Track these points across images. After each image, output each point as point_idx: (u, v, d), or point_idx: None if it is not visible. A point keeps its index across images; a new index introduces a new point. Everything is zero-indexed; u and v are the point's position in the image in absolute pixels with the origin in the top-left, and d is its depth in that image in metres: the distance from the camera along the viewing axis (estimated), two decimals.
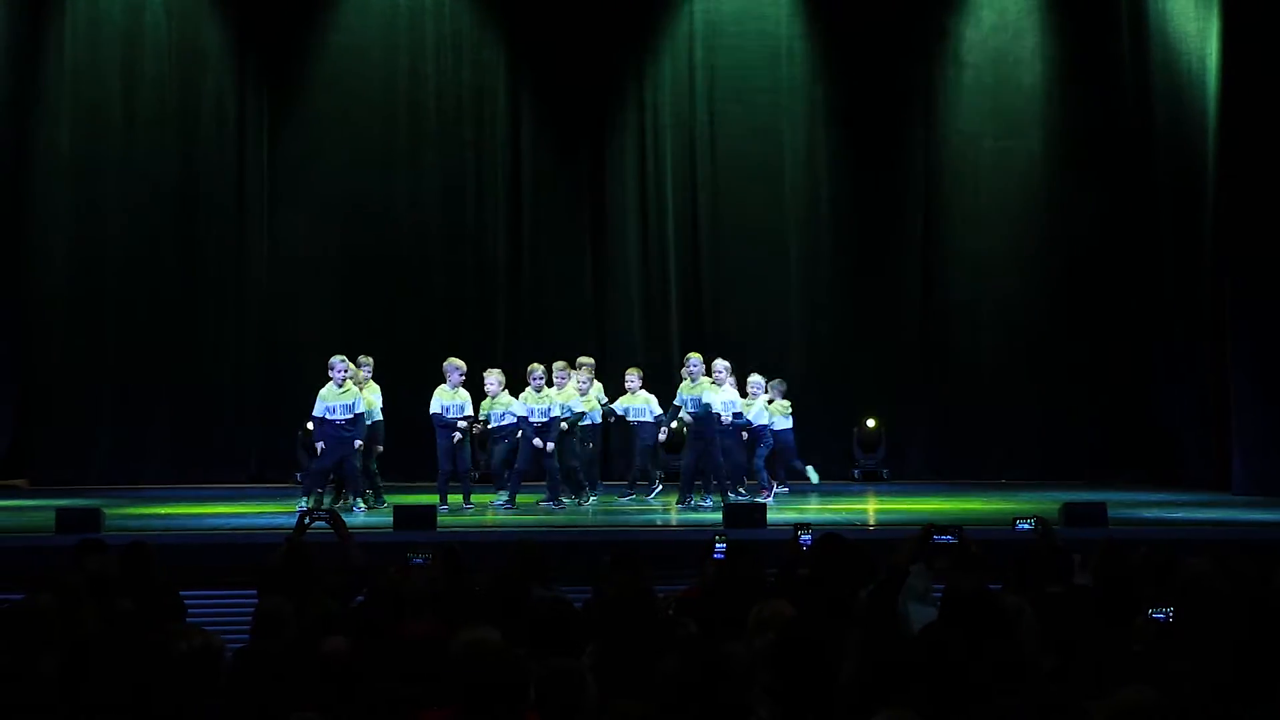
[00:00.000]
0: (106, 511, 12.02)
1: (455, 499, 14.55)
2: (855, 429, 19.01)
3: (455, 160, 19.22)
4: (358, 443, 14.09)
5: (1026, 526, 7.97)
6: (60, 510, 11.85)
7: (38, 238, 18.28)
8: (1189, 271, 17.16)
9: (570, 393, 15.12)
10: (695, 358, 15.02)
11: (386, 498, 14.78)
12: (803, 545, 7.92)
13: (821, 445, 18.89)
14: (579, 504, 14.99)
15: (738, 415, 15.08)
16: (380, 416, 14.99)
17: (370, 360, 15.23)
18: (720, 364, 15.05)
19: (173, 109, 18.78)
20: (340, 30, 19.07)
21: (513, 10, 19.18)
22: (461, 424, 14.59)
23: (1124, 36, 17.99)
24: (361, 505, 14.32)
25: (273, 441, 18.38)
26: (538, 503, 14.94)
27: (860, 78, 19.19)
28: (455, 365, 14.83)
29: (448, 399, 14.70)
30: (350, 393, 14.11)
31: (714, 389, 14.77)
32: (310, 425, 14.54)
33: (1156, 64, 17.45)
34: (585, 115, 19.15)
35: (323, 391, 14.16)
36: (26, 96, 18.11)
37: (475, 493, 14.93)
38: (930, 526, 6.96)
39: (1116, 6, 18.19)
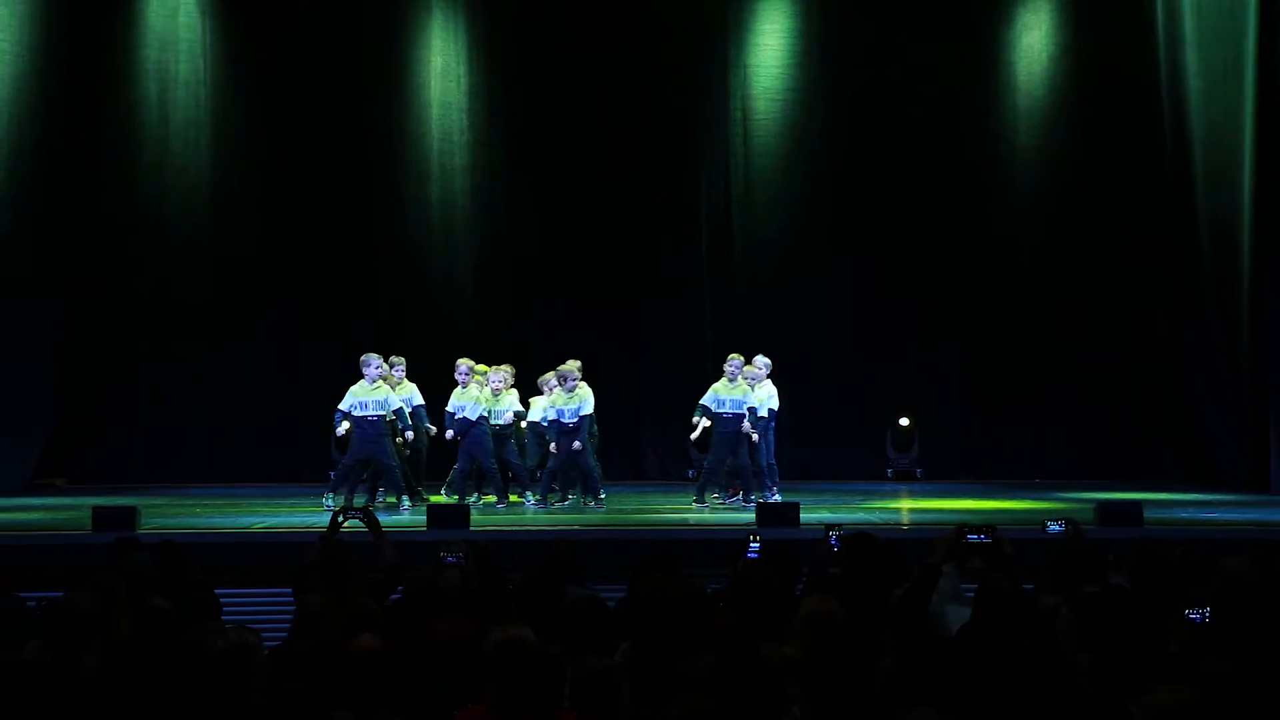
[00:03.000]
0: (143, 510, 12.06)
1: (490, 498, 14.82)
2: (889, 428, 18.96)
3: (488, 161, 19.24)
4: (410, 436, 14.14)
5: (1057, 528, 7.94)
6: (96, 509, 11.90)
7: (75, 238, 18.33)
8: (1226, 270, 17.06)
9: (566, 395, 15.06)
10: (736, 358, 14.98)
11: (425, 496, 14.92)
12: (833, 545, 7.89)
13: (855, 444, 18.91)
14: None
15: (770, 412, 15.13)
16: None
17: (403, 360, 15.28)
18: (759, 361, 15.14)
19: (206, 109, 18.86)
20: (373, 32, 19.10)
21: (545, 9, 19.18)
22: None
23: (1158, 33, 17.87)
24: (408, 502, 14.33)
25: (308, 440, 18.43)
26: (584, 502, 15.02)
27: (893, 76, 19.13)
28: (459, 364, 14.93)
29: (461, 398, 14.79)
30: (381, 390, 14.12)
31: (746, 388, 14.76)
32: (345, 424, 14.46)
33: (1191, 61, 17.34)
34: (616, 112, 19.12)
35: (353, 388, 14.19)
36: (66, 99, 18.13)
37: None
38: (963, 526, 6.94)
39: (1151, 3, 18.08)
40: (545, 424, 15.11)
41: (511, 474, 15.33)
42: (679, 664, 5.21)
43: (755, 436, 14.84)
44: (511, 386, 15.37)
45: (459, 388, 14.88)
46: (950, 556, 6.80)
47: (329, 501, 14.00)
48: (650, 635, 5.81)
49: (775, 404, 15.27)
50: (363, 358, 14.29)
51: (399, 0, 19.20)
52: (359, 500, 14.11)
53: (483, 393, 14.97)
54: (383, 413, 14.08)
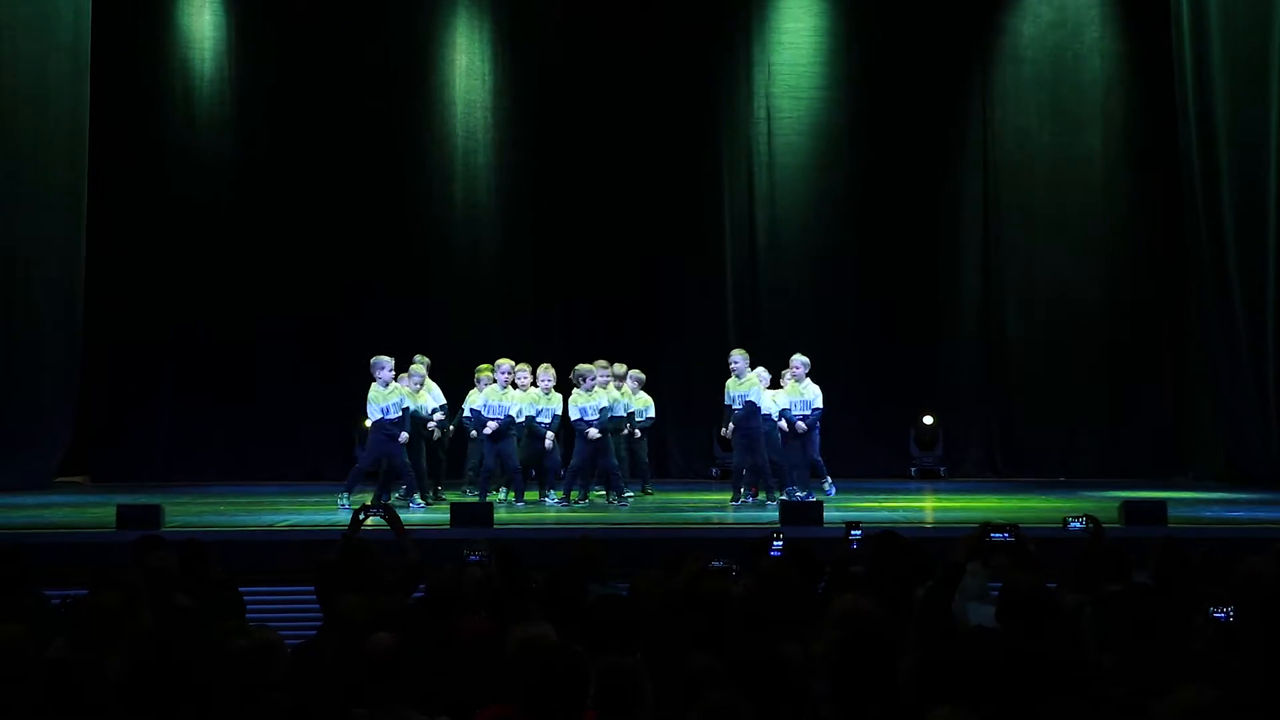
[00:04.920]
0: (166, 508, 12.10)
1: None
2: (912, 426, 18.92)
3: (512, 160, 19.26)
4: (404, 436, 14.17)
5: (1078, 525, 7.91)
6: (121, 507, 11.92)
7: (99, 238, 18.34)
8: (1253, 267, 16.97)
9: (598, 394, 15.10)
10: (739, 354, 15.01)
11: (446, 495, 14.98)
12: (852, 543, 7.87)
13: (879, 442, 18.89)
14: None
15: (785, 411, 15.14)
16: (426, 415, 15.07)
17: (426, 360, 15.38)
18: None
19: (231, 108, 18.91)
20: (397, 30, 19.12)
21: (570, 7, 19.18)
22: (491, 423, 14.75)
23: (1185, 30, 17.75)
24: (419, 501, 14.40)
25: (331, 438, 18.49)
26: (609, 500, 15.06)
27: (918, 74, 19.11)
28: (499, 365, 15.01)
29: (494, 398, 14.84)
30: (395, 392, 14.21)
31: (756, 384, 14.79)
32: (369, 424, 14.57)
33: (1217, 56, 17.23)
34: (641, 112, 19.13)
35: (370, 394, 14.26)
36: (91, 98, 18.10)
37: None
38: (987, 524, 6.93)
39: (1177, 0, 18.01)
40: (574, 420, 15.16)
41: (535, 473, 15.38)
42: (690, 660, 5.19)
43: (802, 427, 15.11)
44: (533, 385, 15.43)
45: (494, 386, 14.94)
46: (974, 554, 6.79)
47: (344, 502, 14.03)
48: (657, 632, 5.81)
49: (784, 404, 15.30)
50: (374, 360, 14.35)
51: None
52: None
53: (527, 393, 15.07)
54: (399, 414, 14.15)
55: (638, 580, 6.80)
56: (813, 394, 15.35)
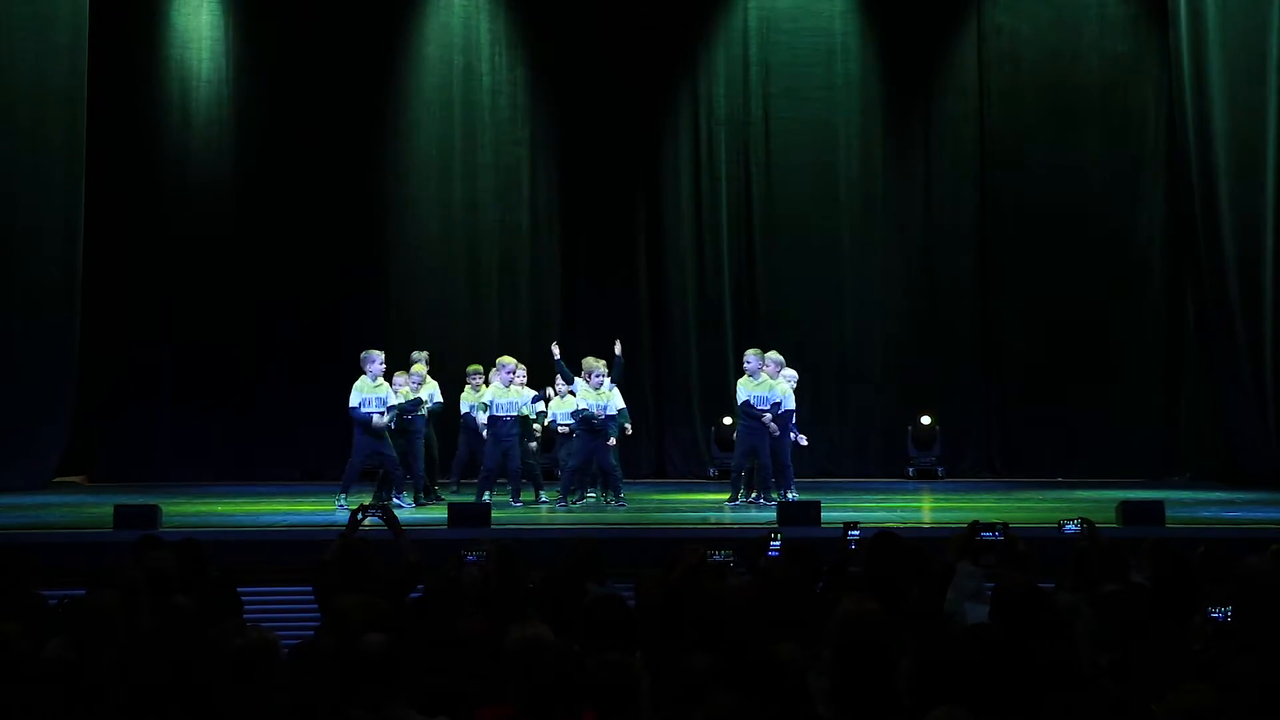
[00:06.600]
0: (164, 508, 12.09)
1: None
2: (910, 426, 18.89)
3: (510, 158, 19.25)
4: (384, 420, 14.14)
5: (1073, 528, 7.90)
6: (118, 507, 11.93)
7: (97, 238, 18.31)
8: (1250, 268, 16.97)
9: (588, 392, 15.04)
10: (752, 354, 14.99)
11: (445, 495, 14.97)
12: (851, 543, 7.86)
13: (877, 442, 18.89)
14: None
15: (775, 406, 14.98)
16: (423, 413, 15.05)
17: (425, 353, 15.40)
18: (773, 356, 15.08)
19: (228, 108, 18.90)
20: (396, 31, 19.11)
21: (567, 6, 19.18)
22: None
23: (1183, 30, 17.72)
24: (409, 499, 14.39)
25: (330, 438, 18.43)
26: (606, 500, 15.04)
27: (914, 74, 19.12)
28: (503, 364, 14.97)
29: (501, 397, 14.83)
30: (383, 387, 14.23)
31: (771, 385, 14.75)
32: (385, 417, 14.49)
33: (1214, 60, 17.22)
34: (639, 112, 19.13)
35: (358, 383, 14.26)
36: (88, 98, 18.07)
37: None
38: (976, 524, 6.94)
39: (1174, 2, 17.98)
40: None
41: (526, 473, 15.39)
42: (689, 660, 5.19)
43: (777, 431, 14.74)
44: (525, 383, 15.44)
45: (496, 384, 14.92)
46: (964, 554, 6.79)
47: (342, 502, 14.02)
48: (655, 632, 5.81)
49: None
50: (364, 354, 14.38)
51: None
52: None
53: (510, 390, 15.06)
54: (381, 410, 14.14)
55: (639, 580, 6.80)
56: (781, 393, 14.95)
